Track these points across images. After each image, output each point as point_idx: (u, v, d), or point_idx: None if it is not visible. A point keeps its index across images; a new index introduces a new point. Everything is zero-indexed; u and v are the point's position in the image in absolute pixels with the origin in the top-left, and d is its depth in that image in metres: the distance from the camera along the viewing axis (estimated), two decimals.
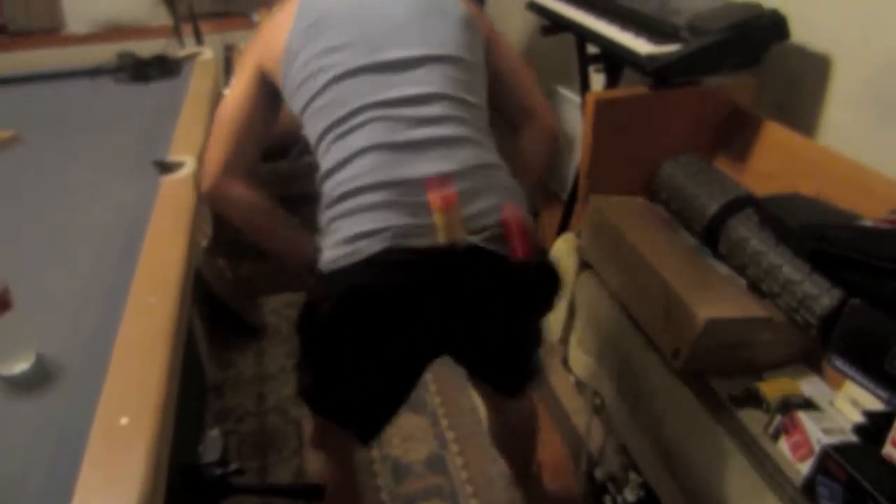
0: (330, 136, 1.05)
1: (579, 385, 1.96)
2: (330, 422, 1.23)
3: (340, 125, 1.03)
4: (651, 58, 1.62)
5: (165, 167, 1.35)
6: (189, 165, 1.34)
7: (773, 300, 1.33)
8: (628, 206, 1.76)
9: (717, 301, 1.37)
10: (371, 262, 0.99)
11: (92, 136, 1.61)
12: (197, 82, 1.86)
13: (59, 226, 1.23)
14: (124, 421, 0.76)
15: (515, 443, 1.54)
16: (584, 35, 2.00)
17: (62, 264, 1.11)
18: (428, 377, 2.10)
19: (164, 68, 2.01)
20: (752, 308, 1.35)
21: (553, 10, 2.13)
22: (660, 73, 1.63)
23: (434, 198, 0.98)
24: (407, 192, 1.00)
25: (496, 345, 1.18)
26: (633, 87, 1.74)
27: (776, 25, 1.62)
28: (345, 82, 1.03)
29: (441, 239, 0.99)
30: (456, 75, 1.07)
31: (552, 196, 3.04)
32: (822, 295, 1.22)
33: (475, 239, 1.00)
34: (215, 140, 1.16)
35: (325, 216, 1.08)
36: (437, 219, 0.98)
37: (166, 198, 1.24)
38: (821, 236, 1.23)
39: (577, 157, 2.12)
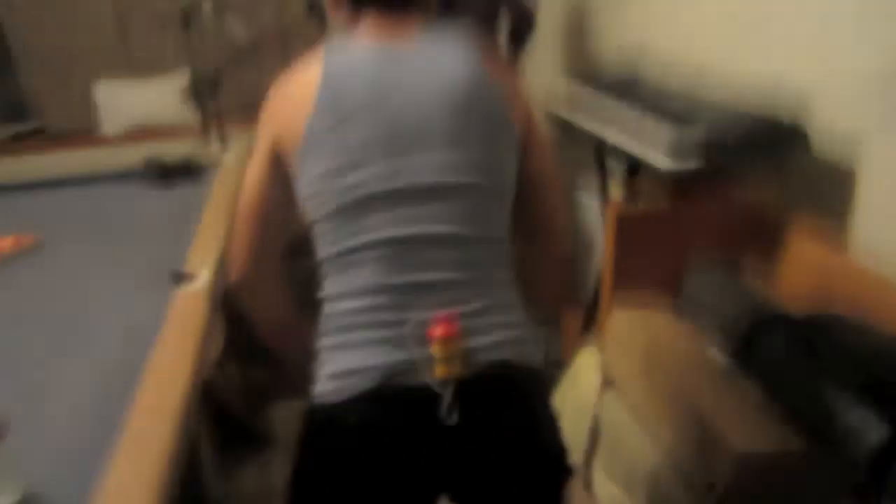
0: (335, 263, 1.02)
1: None
2: None
3: (347, 255, 1.00)
4: (671, 172, 1.61)
5: (180, 278, 1.34)
6: (203, 278, 1.33)
7: (814, 432, 1.24)
8: (654, 321, 1.70)
9: (753, 432, 1.28)
10: (360, 399, 0.96)
11: (111, 243, 1.64)
12: (218, 188, 1.90)
13: (64, 344, 1.22)
14: None
15: None
16: (602, 148, 2.01)
17: (62, 387, 1.09)
18: None
19: (188, 172, 2.10)
20: (790, 440, 1.26)
21: (569, 121, 2.16)
22: (680, 188, 1.62)
23: (434, 329, 0.94)
24: (405, 329, 0.96)
25: (500, 489, 1.06)
26: (653, 199, 1.73)
27: (796, 136, 1.61)
28: (359, 210, 0.99)
29: (438, 374, 0.94)
30: (479, 210, 1.03)
31: (573, 300, 2.98)
32: (869, 430, 1.13)
33: (474, 370, 0.96)
34: (238, 230, 1.12)
35: (320, 342, 1.05)
36: (436, 351, 0.94)
37: (177, 314, 1.22)
38: (868, 365, 1.16)
39: (597, 260, 2.08)
